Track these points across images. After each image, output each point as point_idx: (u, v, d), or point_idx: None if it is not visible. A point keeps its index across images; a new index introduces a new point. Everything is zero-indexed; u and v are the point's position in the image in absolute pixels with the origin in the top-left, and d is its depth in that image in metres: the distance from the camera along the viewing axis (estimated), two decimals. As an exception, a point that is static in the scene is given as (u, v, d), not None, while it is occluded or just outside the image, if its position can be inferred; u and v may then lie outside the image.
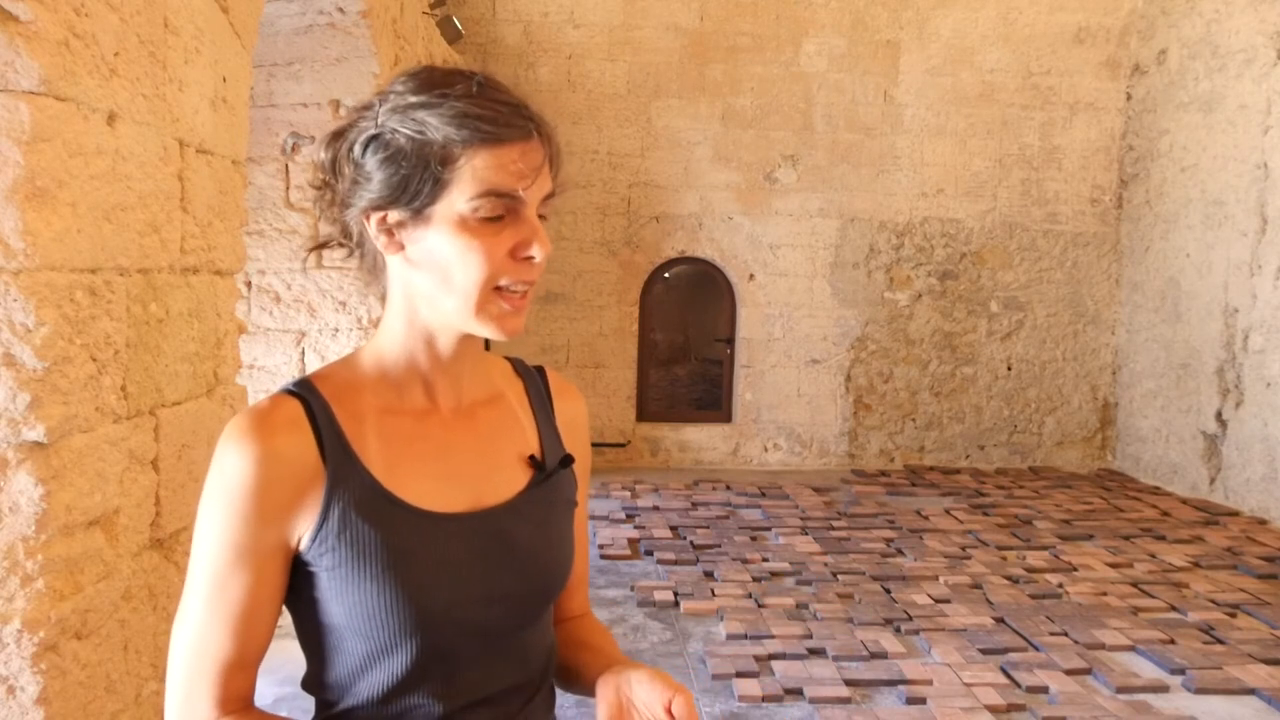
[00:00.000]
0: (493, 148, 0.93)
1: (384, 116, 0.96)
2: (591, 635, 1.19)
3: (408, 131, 0.94)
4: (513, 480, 1.07)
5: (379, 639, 0.96)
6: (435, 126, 0.93)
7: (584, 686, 1.13)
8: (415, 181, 0.94)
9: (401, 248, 0.98)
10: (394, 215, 0.97)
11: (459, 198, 0.94)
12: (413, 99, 0.95)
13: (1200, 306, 6.82)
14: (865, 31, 7.55)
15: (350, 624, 0.96)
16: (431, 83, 0.96)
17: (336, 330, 4.32)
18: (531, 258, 0.96)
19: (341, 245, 1.05)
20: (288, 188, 4.25)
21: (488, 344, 1.10)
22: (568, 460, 1.12)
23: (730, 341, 7.86)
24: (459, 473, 1.03)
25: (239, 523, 0.94)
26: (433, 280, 0.97)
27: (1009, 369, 7.87)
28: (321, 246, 1.06)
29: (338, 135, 1.00)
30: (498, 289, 0.96)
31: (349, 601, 0.96)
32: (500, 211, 0.95)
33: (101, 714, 1.76)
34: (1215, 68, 6.73)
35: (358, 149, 0.97)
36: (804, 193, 7.63)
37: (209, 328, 2.29)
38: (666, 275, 8.35)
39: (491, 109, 0.94)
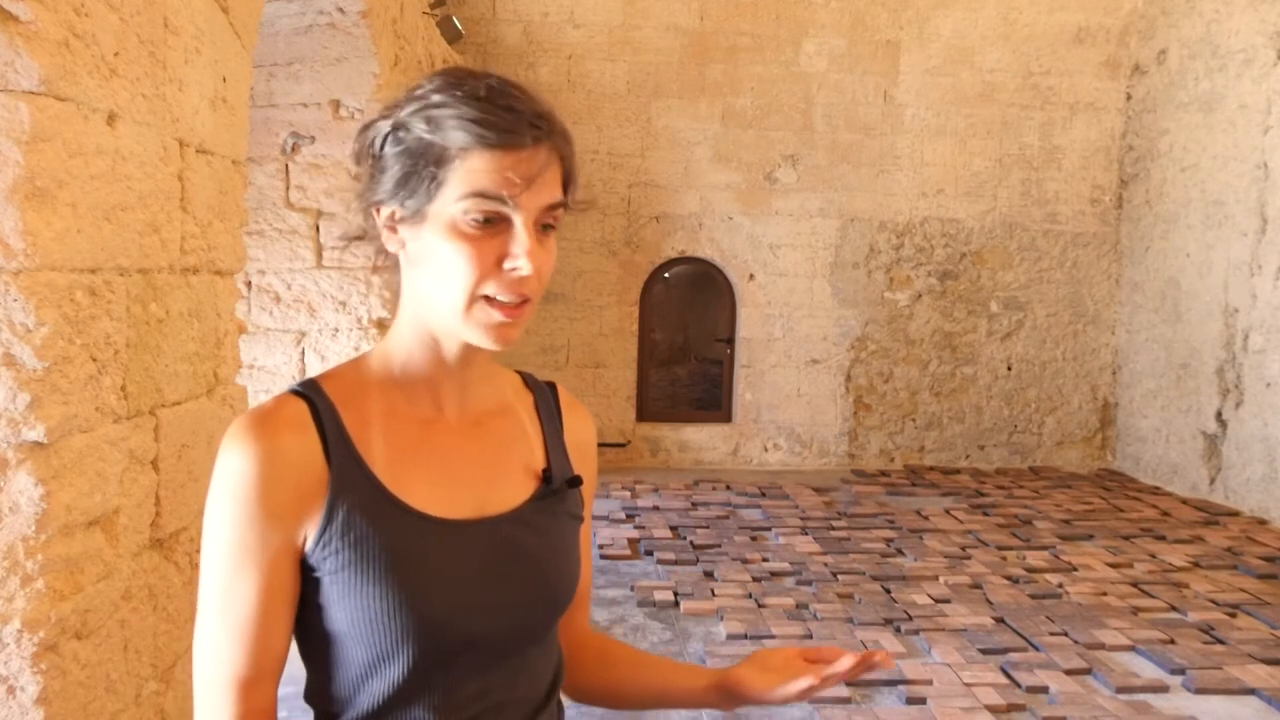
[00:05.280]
0: (486, 152, 0.91)
1: (404, 112, 0.96)
2: (628, 649, 1.25)
3: (417, 129, 0.94)
4: (517, 491, 1.05)
5: (379, 645, 0.95)
6: (440, 126, 0.92)
7: (642, 695, 1.19)
8: (415, 179, 0.94)
9: (404, 244, 0.98)
10: (398, 210, 0.96)
11: (450, 198, 0.92)
12: (432, 98, 0.94)
13: (1200, 306, 6.82)
14: (865, 31, 7.55)
15: (351, 630, 0.95)
16: (449, 83, 0.95)
17: (336, 330, 4.32)
18: (517, 269, 0.92)
19: (361, 239, 1.04)
20: (288, 188, 4.25)
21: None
22: (576, 481, 1.11)
23: (730, 341, 7.86)
24: (463, 480, 1.02)
25: (244, 523, 0.92)
26: (428, 280, 0.96)
27: (1009, 369, 7.87)
28: (355, 239, 1.05)
29: (366, 128, 1.00)
30: (487, 298, 0.93)
31: (350, 606, 0.94)
32: (490, 216, 0.92)
33: (101, 714, 1.76)
34: (1215, 68, 6.73)
35: (378, 142, 0.97)
36: (804, 193, 7.63)
37: (209, 328, 2.29)
38: (666, 275, 8.35)
39: (494, 114, 0.92)
